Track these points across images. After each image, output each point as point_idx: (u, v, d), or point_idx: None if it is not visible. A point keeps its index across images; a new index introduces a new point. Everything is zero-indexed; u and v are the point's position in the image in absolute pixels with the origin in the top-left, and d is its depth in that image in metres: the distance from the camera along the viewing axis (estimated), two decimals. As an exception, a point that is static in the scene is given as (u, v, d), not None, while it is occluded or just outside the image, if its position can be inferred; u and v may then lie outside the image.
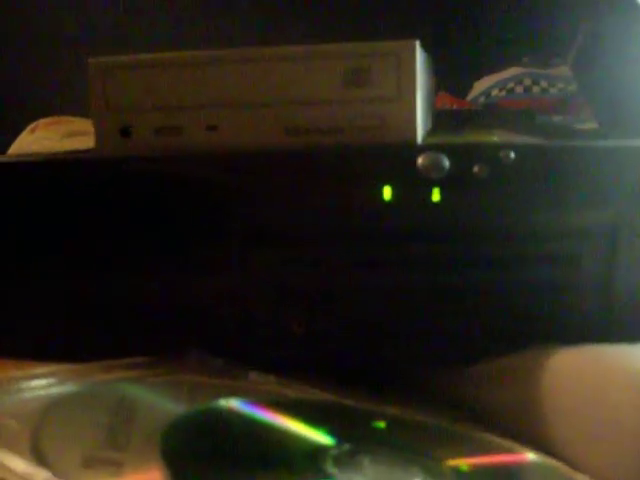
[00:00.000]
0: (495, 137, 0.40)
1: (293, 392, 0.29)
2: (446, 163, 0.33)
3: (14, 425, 0.21)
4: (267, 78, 0.34)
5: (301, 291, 0.34)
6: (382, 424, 0.27)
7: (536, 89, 0.95)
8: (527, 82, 0.95)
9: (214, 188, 0.34)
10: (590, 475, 0.27)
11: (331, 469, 0.22)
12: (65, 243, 0.34)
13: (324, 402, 0.28)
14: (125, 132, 0.36)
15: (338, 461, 0.22)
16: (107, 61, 0.36)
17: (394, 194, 0.33)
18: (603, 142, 0.38)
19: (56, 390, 0.25)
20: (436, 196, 0.33)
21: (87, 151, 0.41)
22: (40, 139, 0.89)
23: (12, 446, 0.20)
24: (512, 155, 0.33)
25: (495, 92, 0.97)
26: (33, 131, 0.94)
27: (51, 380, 0.26)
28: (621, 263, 0.33)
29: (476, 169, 0.33)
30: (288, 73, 0.34)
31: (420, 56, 0.34)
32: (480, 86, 0.99)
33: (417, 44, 0.33)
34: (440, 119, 0.49)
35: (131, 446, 0.22)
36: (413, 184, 0.32)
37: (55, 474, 0.19)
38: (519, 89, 0.96)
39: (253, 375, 0.30)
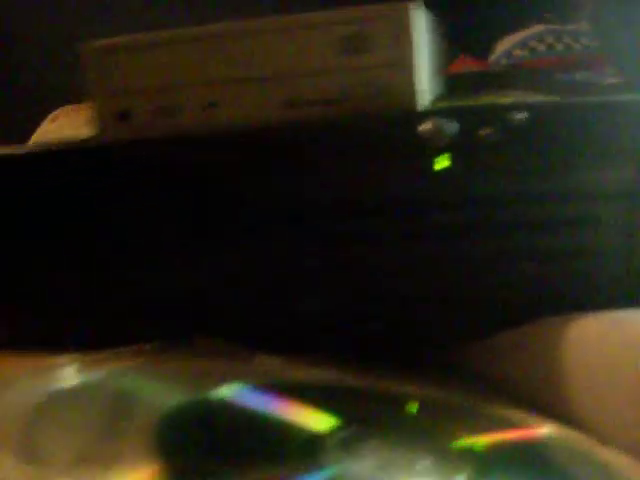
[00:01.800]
0: (510, 98, 0.38)
1: (299, 374, 0.28)
2: (449, 128, 0.31)
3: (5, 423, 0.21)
4: (264, 51, 0.33)
5: (312, 269, 0.33)
6: (391, 404, 0.26)
7: (559, 46, 0.92)
8: (549, 39, 0.92)
9: (217, 167, 0.33)
10: (614, 445, 0.26)
11: (333, 455, 0.21)
12: (69, 232, 0.34)
13: (329, 384, 0.28)
14: (124, 116, 0.35)
15: (341, 446, 0.21)
16: (100, 45, 0.35)
17: (398, 163, 0.31)
18: (623, 96, 0.36)
19: (55, 383, 0.25)
20: (443, 163, 0.31)
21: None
22: (61, 127, 0.89)
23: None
24: (523, 115, 0.31)
25: (517, 52, 0.95)
26: (54, 120, 0.95)
27: (54, 372, 0.26)
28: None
29: (482, 132, 0.31)
30: (284, 44, 0.33)
31: (420, 18, 0.32)
32: (502, 46, 0.96)
33: (414, 5, 0.32)
34: (456, 83, 0.48)
35: (127, 439, 0.21)
36: (416, 152, 0.31)
37: (48, 470, 0.19)
38: (542, 47, 0.93)
39: (259, 358, 0.30)
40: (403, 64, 0.32)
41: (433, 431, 0.23)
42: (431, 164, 0.31)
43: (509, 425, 0.25)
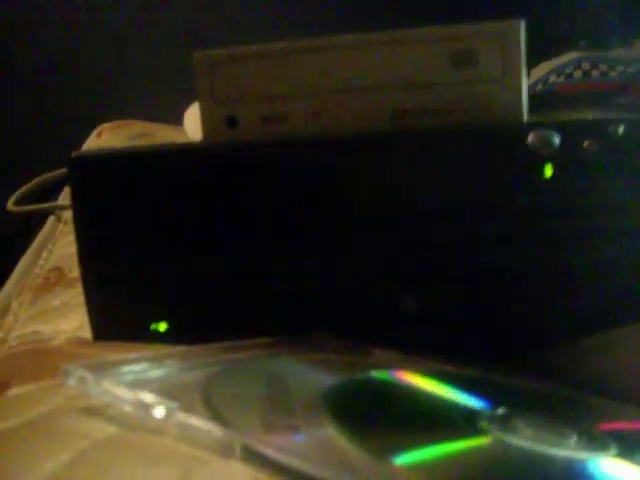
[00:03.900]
0: (591, 115, 0.40)
1: (421, 366, 0.29)
2: (556, 139, 0.33)
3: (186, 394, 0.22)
4: (373, 63, 0.35)
5: (413, 271, 0.34)
6: (525, 395, 0.28)
7: (595, 73, 0.94)
8: (586, 66, 0.94)
9: (324, 174, 0.35)
10: None
11: (487, 428, 0.22)
12: (187, 227, 0.35)
13: (463, 373, 0.29)
14: (231, 122, 0.37)
15: (493, 422, 0.23)
16: (212, 54, 0.37)
17: (505, 172, 0.33)
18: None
19: (206, 369, 0.26)
20: (548, 172, 0.33)
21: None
22: (107, 142, 0.92)
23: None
24: (621, 129, 0.33)
25: (553, 78, 0.97)
26: (99, 135, 0.97)
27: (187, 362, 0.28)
28: None
29: (586, 144, 0.33)
30: (394, 57, 0.35)
31: (524, 35, 0.34)
32: (537, 73, 0.98)
33: (522, 24, 0.34)
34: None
35: (298, 412, 0.22)
36: (525, 161, 0.33)
37: (243, 437, 0.20)
38: (578, 74, 0.95)
39: (378, 352, 0.31)
40: (512, 78, 0.34)
41: (573, 417, 0.25)
42: (538, 173, 0.33)
43: (636, 418, 0.27)
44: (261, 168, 0.35)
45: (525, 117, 0.34)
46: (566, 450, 0.22)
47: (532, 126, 0.33)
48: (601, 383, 0.32)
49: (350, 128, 0.36)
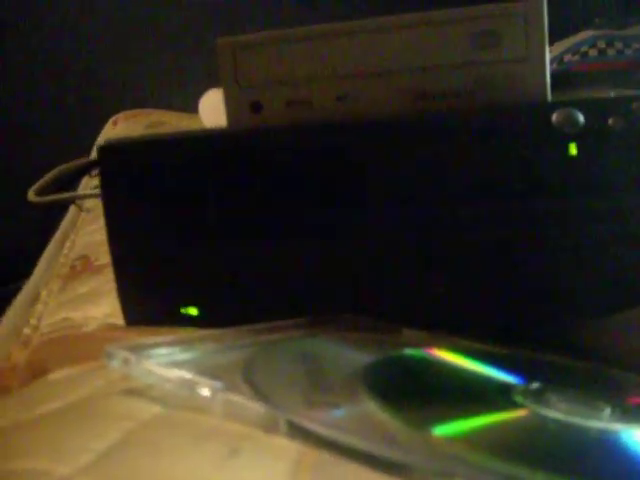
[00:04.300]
0: (613, 93, 0.40)
1: (452, 344, 0.30)
2: (580, 118, 0.33)
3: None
4: (396, 46, 0.35)
5: (442, 253, 0.35)
6: (555, 367, 0.28)
7: (611, 51, 0.93)
8: (601, 44, 0.94)
9: (352, 156, 0.35)
10: None
11: (522, 401, 0.23)
12: (215, 211, 0.35)
13: (495, 350, 0.29)
14: (256, 107, 0.37)
15: (528, 396, 0.23)
16: (235, 40, 0.37)
17: (530, 151, 0.33)
18: None
19: (243, 350, 0.27)
20: (573, 150, 0.33)
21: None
22: (123, 131, 0.92)
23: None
24: (645, 106, 0.33)
25: (568, 57, 0.96)
26: (115, 124, 0.98)
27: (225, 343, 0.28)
28: None
29: (611, 122, 0.33)
30: (417, 39, 0.35)
31: (546, 14, 0.34)
32: (552, 52, 0.98)
33: (544, 2, 0.34)
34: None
35: (335, 389, 0.23)
36: (549, 140, 0.33)
37: (287, 414, 0.20)
38: (593, 52, 0.94)
39: (406, 331, 0.32)
40: (535, 58, 0.34)
41: (606, 391, 0.25)
42: (564, 151, 0.33)
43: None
44: (287, 153, 0.36)
45: (549, 96, 0.34)
46: (600, 422, 0.22)
47: (556, 105, 0.33)
48: (631, 358, 0.33)
49: (374, 111, 0.36)
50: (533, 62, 0.34)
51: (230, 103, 0.38)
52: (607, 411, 0.23)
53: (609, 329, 0.34)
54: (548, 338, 0.34)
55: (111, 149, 0.35)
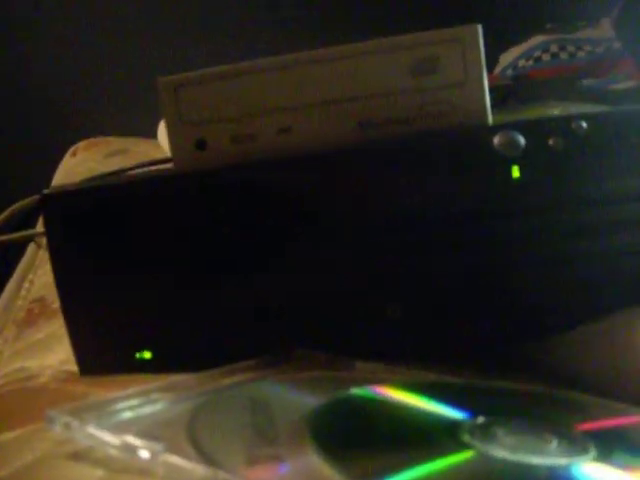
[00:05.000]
0: (556, 109, 0.40)
1: (402, 377, 0.30)
2: (521, 140, 0.33)
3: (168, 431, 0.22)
4: (337, 76, 0.35)
5: (392, 277, 0.35)
6: (503, 398, 0.28)
7: (564, 55, 0.94)
8: (554, 49, 0.95)
9: (296, 190, 0.35)
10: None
11: (469, 440, 0.23)
12: (163, 255, 0.35)
13: (442, 381, 0.29)
14: (200, 144, 0.37)
15: (474, 433, 0.23)
16: (177, 78, 0.37)
17: (473, 176, 0.34)
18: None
19: (190, 402, 0.26)
20: (515, 173, 0.33)
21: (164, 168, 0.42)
22: (83, 161, 0.91)
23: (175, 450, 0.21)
24: (584, 125, 0.34)
25: (522, 62, 0.97)
26: (74, 154, 0.97)
27: (174, 394, 0.28)
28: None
29: (551, 142, 0.33)
30: (357, 69, 0.35)
31: (481, 38, 0.35)
32: (506, 58, 0.99)
33: (479, 27, 0.34)
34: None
35: (281, 439, 0.23)
36: (492, 164, 0.33)
37: (226, 472, 0.20)
38: (546, 57, 0.95)
39: (360, 364, 0.31)
40: (473, 82, 0.34)
41: (552, 419, 0.25)
42: (506, 174, 0.33)
43: (615, 413, 0.27)
44: (234, 191, 0.35)
45: (489, 120, 0.35)
46: (547, 457, 0.22)
47: (497, 128, 0.34)
48: (580, 377, 0.33)
49: (318, 142, 0.36)
50: (471, 86, 0.34)
51: (174, 141, 0.38)
52: (554, 443, 0.23)
53: (571, 345, 0.34)
54: (500, 358, 0.35)
55: (53, 197, 0.35)
